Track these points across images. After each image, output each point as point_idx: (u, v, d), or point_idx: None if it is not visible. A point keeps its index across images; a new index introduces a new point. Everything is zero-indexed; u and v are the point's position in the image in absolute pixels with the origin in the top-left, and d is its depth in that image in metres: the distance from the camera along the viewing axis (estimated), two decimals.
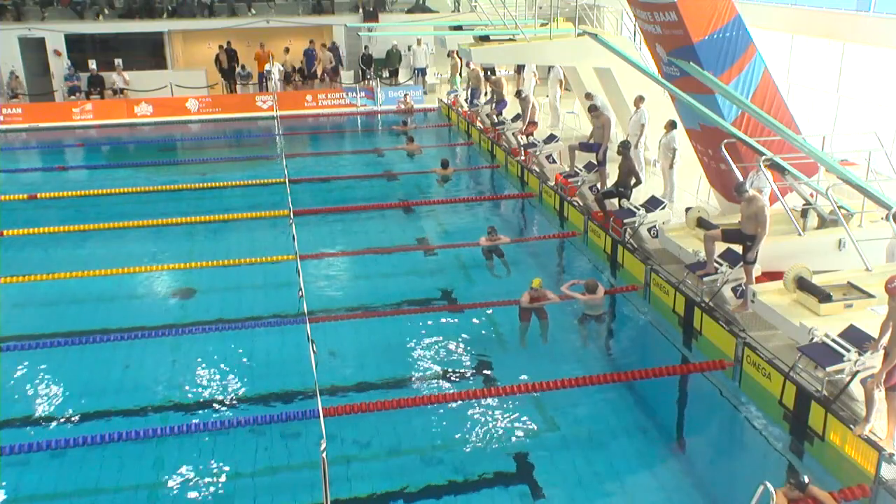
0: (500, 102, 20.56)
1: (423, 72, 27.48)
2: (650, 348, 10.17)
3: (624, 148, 13.20)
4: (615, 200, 13.32)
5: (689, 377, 9.46)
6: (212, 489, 7.75)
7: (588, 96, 18.33)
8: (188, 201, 16.86)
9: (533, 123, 18.44)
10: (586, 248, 13.32)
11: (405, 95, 25.79)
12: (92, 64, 25.94)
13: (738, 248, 10.09)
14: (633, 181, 13.02)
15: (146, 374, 9.86)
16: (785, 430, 8.23)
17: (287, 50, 27.32)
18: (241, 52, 27.23)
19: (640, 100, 15.91)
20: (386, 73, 27.62)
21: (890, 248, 10.54)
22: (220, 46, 26.68)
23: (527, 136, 18.04)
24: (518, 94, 19.42)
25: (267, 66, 26.37)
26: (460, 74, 26.47)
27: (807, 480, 6.84)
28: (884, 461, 7.15)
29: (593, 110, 15.54)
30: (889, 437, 7.24)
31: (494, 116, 20.49)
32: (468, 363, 9.97)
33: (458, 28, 24.51)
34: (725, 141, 11.61)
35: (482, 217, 14.84)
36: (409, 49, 27.45)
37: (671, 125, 14.52)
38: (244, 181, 18.06)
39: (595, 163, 14.96)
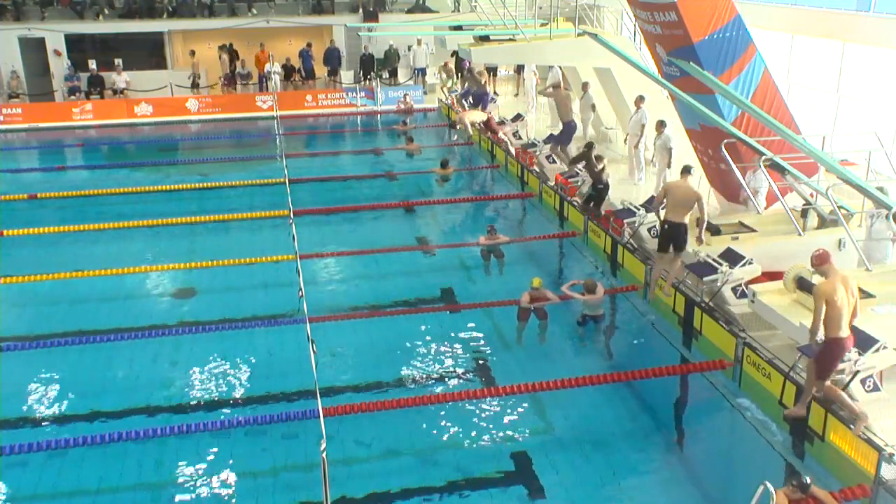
0: (484, 95, 20.59)
1: (423, 72, 27.48)
2: (650, 348, 10.17)
3: (588, 149, 13.28)
4: (614, 200, 13.33)
5: (689, 377, 9.46)
6: (212, 489, 7.75)
7: (584, 86, 18.57)
8: (188, 201, 16.86)
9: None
10: (586, 248, 13.31)
11: (405, 95, 25.79)
12: (92, 64, 25.94)
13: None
14: (605, 176, 13.08)
15: (146, 374, 9.86)
16: (785, 430, 8.23)
17: (290, 42, 27.40)
18: (242, 52, 27.25)
19: (640, 100, 15.92)
20: (385, 74, 27.63)
21: (867, 250, 10.53)
22: (222, 46, 26.71)
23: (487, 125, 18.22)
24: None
25: (267, 67, 26.38)
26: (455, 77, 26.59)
27: (808, 481, 6.84)
28: (884, 461, 7.15)
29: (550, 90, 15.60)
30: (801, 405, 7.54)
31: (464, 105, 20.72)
32: (468, 363, 9.98)
33: (458, 28, 24.49)
34: (725, 141, 11.60)
35: (482, 217, 14.85)
36: (408, 49, 27.46)
37: (661, 125, 14.73)
38: (244, 181, 18.06)
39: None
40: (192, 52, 26.46)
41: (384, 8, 28.40)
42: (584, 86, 19.16)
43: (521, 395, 9.10)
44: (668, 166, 14.71)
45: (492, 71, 27.84)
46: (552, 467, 7.99)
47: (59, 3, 27.09)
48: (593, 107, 19.08)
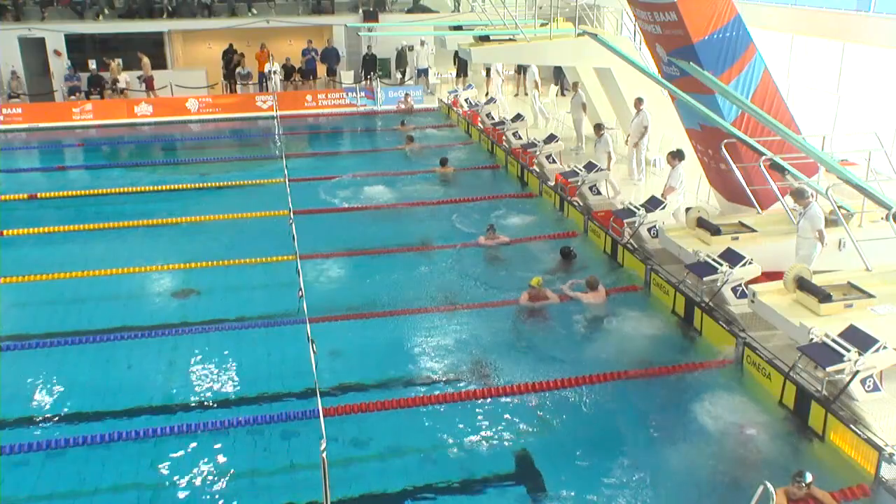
0: None
1: (425, 72, 27.50)
2: (650, 348, 10.17)
3: None
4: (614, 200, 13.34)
5: (688, 377, 9.45)
6: (212, 489, 7.74)
7: (575, 86, 18.82)
8: (188, 201, 16.85)
9: None
10: (586, 248, 13.31)
11: (406, 95, 25.79)
12: (92, 64, 25.94)
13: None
14: None
15: (146, 374, 9.84)
16: (785, 430, 8.23)
17: (291, 42, 27.48)
18: (241, 51, 27.29)
19: (639, 102, 15.94)
20: (399, 74, 27.63)
21: (796, 247, 10.64)
22: (231, 46, 26.78)
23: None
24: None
25: (267, 67, 26.40)
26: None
27: (809, 479, 6.85)
28: (884, 461, 7.16)
29: None
30: None
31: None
32: (468, 363, 9.96)
33: (458, 28, 24.52)
34: (725, 141, 11.61)
35: (482, 217, 14.84)
36: (409, 49, 27.50)
37: (599, 128, 15.95)
38: (244, 181, 18.06)
39: (595, 163, 14.99)
40: (141, 54, 26.16)
41: (384, 8, 28.40)
42: (575, 85, 19.20)
43: (521, 395, 9.10)
44: (608, 168, 15.36)
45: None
46: (552, 467, 7.99)
47: (59, 3, 27.09)
48: (584, 106, 19.12)
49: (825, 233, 10.41)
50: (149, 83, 25.79)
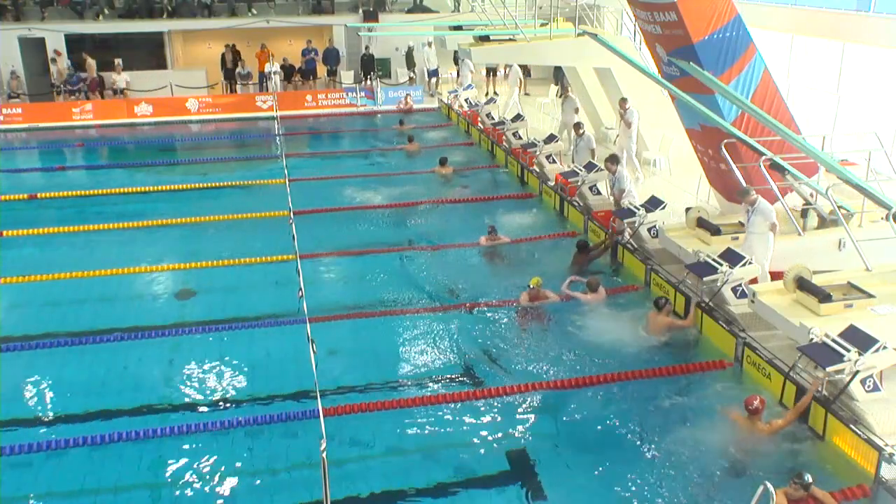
0: None
1: (434, 73, 27.47)
2: (649, 348, 10.16)
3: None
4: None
5: (689, 377, 9.46)
6: (212, 489, 7.75)
7: (567, 90, 18.75)
8: (188, 201, 16.85)
9: None
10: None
11: (406, 95, 25.79)
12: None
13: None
14: None
15: (146, 374, 9.85)
16: (785, 430, 8.22)
17: (291, 42, 27.53)
18: (242, 52, 27.30)
19: (624, 101, 15.98)
20: (410, 73, 27.60)
21: (749, 244, 10.68)
22: (227, 46, 26.76)
23: None
24: None
25: (267, 67, 26.40)
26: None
27: (809, 480, 6.85)
28: (884, 461, 7.16)
29: None
30: None
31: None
32: (468, 363, 9.97)
33: (458, 28, 24.53)
34: (725, 141, 11.61)
35: (482, 217, 14.84)
36: (412, 49, 27.52)
37: (579, 127, 16.23)
38: (244, 181, 18.06)
39: (594, 163, 14.99)
40: (85, 55, 26.01)
41: (384, 8, 28.41)
42: (567, 89, 19.18)
43: (521, 395, 9.10)
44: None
45: (492, 71, 27.87)
46: (552, 468, 7.99)
47: (59, 3, 27.09)
48: (577, 110, 19.14)
49: (777, 223, 10.62)
50: (91, 85, 25.57)
